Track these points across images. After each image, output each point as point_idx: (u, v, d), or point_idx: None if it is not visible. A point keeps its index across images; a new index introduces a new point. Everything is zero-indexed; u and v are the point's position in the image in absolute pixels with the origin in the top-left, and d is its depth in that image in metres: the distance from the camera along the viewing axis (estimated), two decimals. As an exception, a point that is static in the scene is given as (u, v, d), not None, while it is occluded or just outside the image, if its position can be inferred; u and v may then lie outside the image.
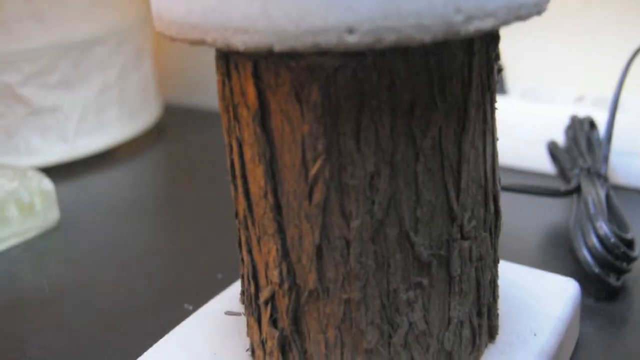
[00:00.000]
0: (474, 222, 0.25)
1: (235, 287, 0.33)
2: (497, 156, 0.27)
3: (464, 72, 0.23)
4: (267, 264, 0.25)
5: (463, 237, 0.25)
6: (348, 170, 0.22)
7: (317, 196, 0.23)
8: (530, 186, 0.41)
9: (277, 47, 0.20)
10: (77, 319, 0.36)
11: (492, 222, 0.27)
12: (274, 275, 0.25)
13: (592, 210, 0.38)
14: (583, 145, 0.44)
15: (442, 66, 0.22)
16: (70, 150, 0.56)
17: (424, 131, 0.23)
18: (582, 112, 0.48)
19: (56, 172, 0.54)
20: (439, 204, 0.24)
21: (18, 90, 0.53)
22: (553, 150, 0.45)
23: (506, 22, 0.21)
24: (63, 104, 0.56)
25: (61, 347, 0.34)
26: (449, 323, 0.26)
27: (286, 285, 0.25)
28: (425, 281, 0.24)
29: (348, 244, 0.23)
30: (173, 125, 0.65)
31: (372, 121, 0.22)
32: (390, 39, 0.19)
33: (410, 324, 0.25)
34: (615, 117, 0.44)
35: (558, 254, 0.40)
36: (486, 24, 0.20)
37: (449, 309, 0.26)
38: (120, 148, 0.60)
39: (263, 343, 0.27)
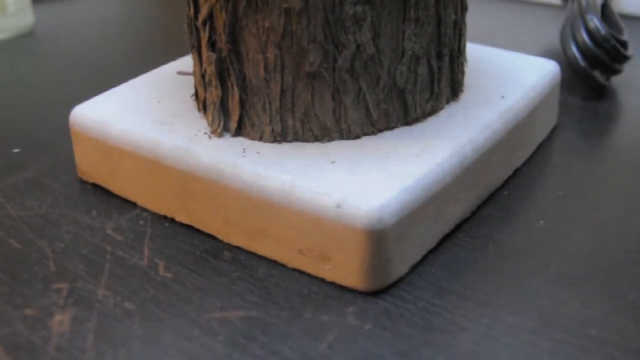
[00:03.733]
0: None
1: (193, 54, 0.31)
2: None
3: None
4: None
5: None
6: None
7: None
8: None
9: None
10: (36, 99, 0.34)
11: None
12: (209, -19, 0.22)
13: (584, 4, 0.34)
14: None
15: None
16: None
17: None
18: None
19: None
20: None
21: None
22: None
23: None
24: None
25: (16, 119, 0.32)
26: (402, 55, 0.23)
27: (222, -7, 0.22)
28: (377, -7, 0.22)
29: None
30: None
31: None
32: None
33: (358, 46, 0.22)
34: None
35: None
36: None
37: (403, 38, 0.23)
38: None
39: (203, 77, 0.24)
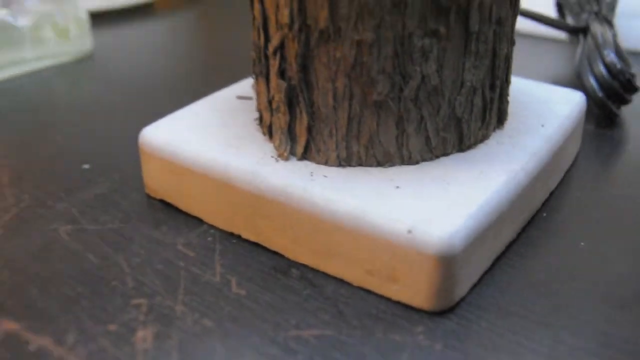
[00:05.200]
0: (497, -24, 0.20)
1: (250, 80, 0.28)
2: None
3: None
4: (277, 6, 0.20)
5: (486, -8, 0.20)
6: None
7: None
8: (543, 16, 0.35)
9: None
10: (101, 118, 0.32)
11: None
12: (284, 16, 0.20)
13: (600, 41, 0.32)
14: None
15: None
16: (109, 0, 0.51)
17: None
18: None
19: (98, 19, 0.49)
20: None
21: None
22: (561, 1, 0.39)
23: None
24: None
25: (85, 137, 0.30)
26: (461, 86, 0.21)
27: (296, 27, 0.20)
28: (442, 29, 0.19)
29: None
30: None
31: None
32: None
33: (423, 77, 0.20)
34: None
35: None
36: None
37: (463, 70, 0.21)
38: (152, 5, 0.55)
39: (270, 103, 0.22)
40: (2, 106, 0.34)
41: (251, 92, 0.27)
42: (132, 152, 0.28)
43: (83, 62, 0.41)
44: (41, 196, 0.25)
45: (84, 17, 0.42)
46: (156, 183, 0.24)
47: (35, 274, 0.21)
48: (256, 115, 0.25)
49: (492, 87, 0.22)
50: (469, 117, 0.22)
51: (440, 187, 0.20)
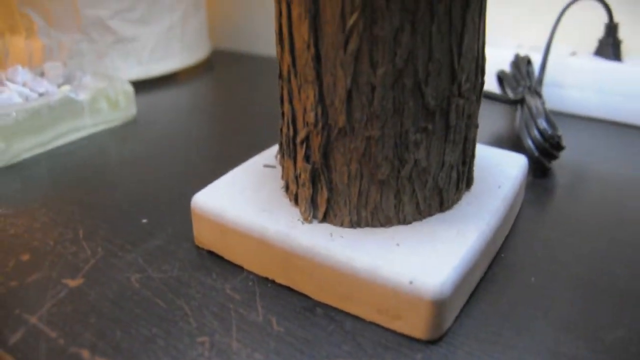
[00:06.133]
0: (468, 85, 0.21)
1: (271, 150, 0.29)
2: (485, 38, 0.23)
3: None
4: (305, 109, 0.21)
5: (460, 95, 0.21)
6: (378, 23, 0.18)
7: (352, 46, 0.19)
8: (491, 93, 0.37)
9: None
10: (150, 176, 0.33)
11: (479, 90, 0.23)
12: (310, 117, 0.21)
13: (534, 111, 0.34)
14: (524, 72, 0.40)
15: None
16: (144, 71, 0.51)
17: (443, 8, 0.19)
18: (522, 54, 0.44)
19: (134, 86, 0.50)
20: (445, 63, 0.20)
21: (107, 22, 0.48)
22: (501, 76, 0.41)
23: None
24: (140, 36, 0.50)
25: (139, 193, 0.31)
26: (442, 165, 0.22)
27: (320, 125, 0.21)
28: (430, 126, 0.21)
29: (373, 89, 0.19)
30: (219, 62, 0.59)
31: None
32: None
33: (415, 161, 0.21)
34: (548, 54, 0.40)
35: (507, 146, 0.37)
36: None
37: (444, 154, 0.22)
38: (180, 73, 0.55)
39: (297, 178, 0.23)
40: (69, 166, 0.34)
41: (274, 161, 0.28)
42: (180, 208, 0.29)
43: (129, 125, 0.41)
44: (112, 248, 0.26)
45: (130, 89, 0.42)
46: (205, 237, 0.25)
47: (117, 317, 0.21)
48: (280, 182, 0.26)
49: (464, 162, 0.23)
50: (448, 187, 0.23)
51: (430, 244, 0.21)
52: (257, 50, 0.66)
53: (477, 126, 0.24)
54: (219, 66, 0.58)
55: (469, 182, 0.25)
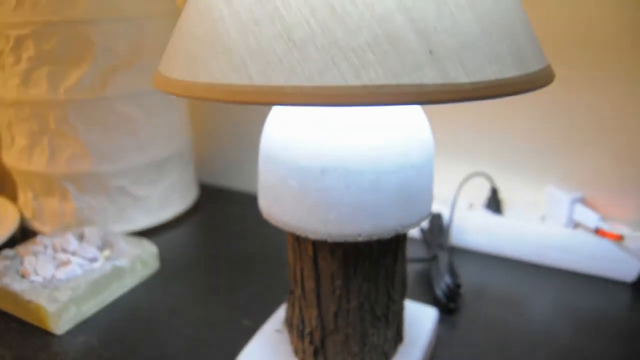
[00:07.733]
0: (397, 298, 0.39)
1: (279, 313, 0.45)
2: (405, 277, 0.41)
3: (398, 247, 0.37)
4: (310, 318, 0.38)
5: (394, 303, 0.39)
6: (350, 293, 0.36)
7: (337, 291, 0.36)
8: (412, 257, 0.55)
9: (329, 239, 0.33)
10: (184, 333, 0.47)
11: (403, 300, 0.40)
12: (313, 323, 0.37)
13: (441, 270, 0.53)
14: (437, 229, 0.59)
15: (397, 242, 0.36)
16: (154, 219, 0.66)
17: (383, 263, 0.36)
18: (435, 209, 0.63)
19: (146, 232, 0.64)
20: (383, 290, 0.37)
21: (128, 188, 0.63)
22: (423, 230, 0.60)
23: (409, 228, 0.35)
24: (151, 195, 0.66)
25: (176, 347, 0.45)
26: (386, 340, 0.39)
27: (319, 328, 0.37)
28: (379, 324, 0.38)
29: (348, 311, 0.36)
30: (207, 202, 0.75)
31: (360, 264, 0.35)
32: (375, 236, 0.33)
33: (372, 342, 0.38)
34: (453, 214, 0.60)
35: (425, 289, 0.54)
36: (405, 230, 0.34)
37: (387, 334, 0.39)
38: (179, 218, 0.70)
39: (304, 352, 0.39)
40: (117, 319, 0.48)
41: (282, 326, 0.44)
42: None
43: (154, 277, 0.56)
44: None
45: (155, 251, 0.57)
46: (245, 386, 0.41)
47: None
48: (289, 343, 0.42)
49: (398, 334, 0.41)
50: (390, 349, 0.40)
51: (382, 389, 0.38)
52: (238, 186, 0.83)
53: (403, 308, 0.42)
54: (207, 206, 0.74)
55: (400, 340, 0.42)
